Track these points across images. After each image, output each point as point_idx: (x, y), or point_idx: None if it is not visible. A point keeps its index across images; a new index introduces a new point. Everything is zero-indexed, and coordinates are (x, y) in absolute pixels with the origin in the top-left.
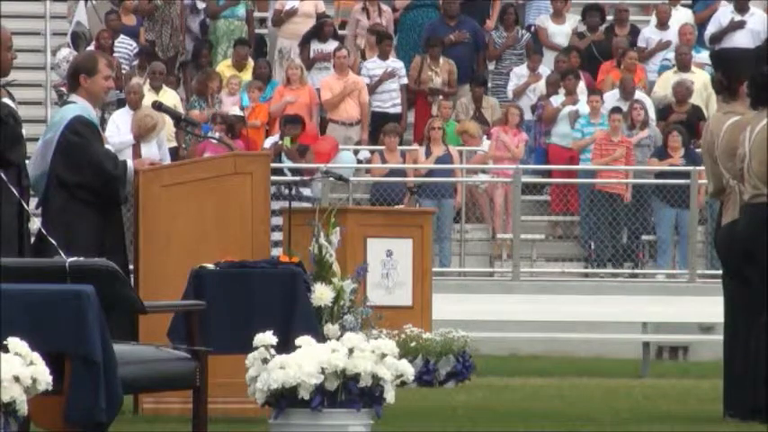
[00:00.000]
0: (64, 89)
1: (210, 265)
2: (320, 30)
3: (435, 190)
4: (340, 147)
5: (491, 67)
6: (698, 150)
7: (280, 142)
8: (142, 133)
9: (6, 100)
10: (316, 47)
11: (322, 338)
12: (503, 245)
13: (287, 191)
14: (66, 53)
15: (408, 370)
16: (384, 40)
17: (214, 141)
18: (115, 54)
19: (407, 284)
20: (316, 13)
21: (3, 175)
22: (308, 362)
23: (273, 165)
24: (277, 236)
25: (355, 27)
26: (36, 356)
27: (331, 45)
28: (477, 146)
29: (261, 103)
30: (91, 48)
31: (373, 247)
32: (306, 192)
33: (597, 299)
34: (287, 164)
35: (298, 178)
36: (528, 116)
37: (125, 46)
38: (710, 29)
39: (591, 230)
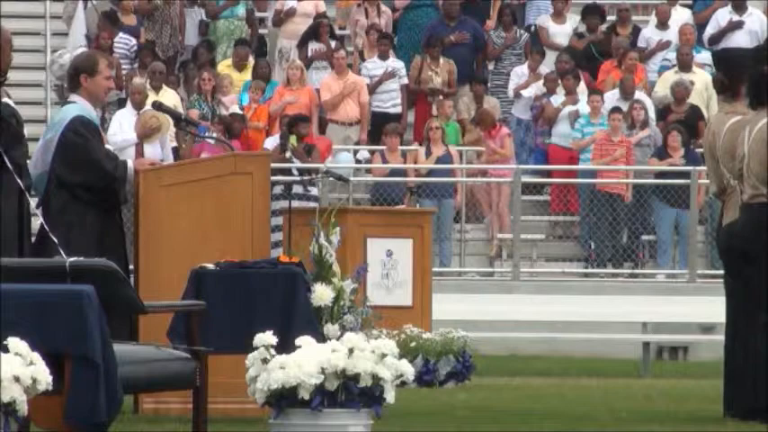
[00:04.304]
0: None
1: (210, 265)
2: (317, 30)
3: (435, 190)
4: (340, 147)
5: (491, 67)
6: (698, 150)
7: (277, 144)
8: (147, 133)
9: (6, 100)
10: (314, 47)
11: (322, 338)
12: (502, 245)
13: (295, 190)
14: (57, 54)
15: (408, 370)
16: (383, 40)
17: (211, 141)
18: (114, 53)
19: (407, 284)
20: (316, 12)
21: (4, 174)
22: (307, 362)
23: (280, 165)
24: (277, 236)
25: (354, 27)
26: (36, 356)
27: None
28: (481, 146)
29: (261, 105)
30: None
31: (373, 247)
32: (314, 191)
33: (597, 299)
34: (293, 164)
35: (298, 178)
36: (527, 116)
37: (122, 45)
38: (709, 30)
39: (591, 230)
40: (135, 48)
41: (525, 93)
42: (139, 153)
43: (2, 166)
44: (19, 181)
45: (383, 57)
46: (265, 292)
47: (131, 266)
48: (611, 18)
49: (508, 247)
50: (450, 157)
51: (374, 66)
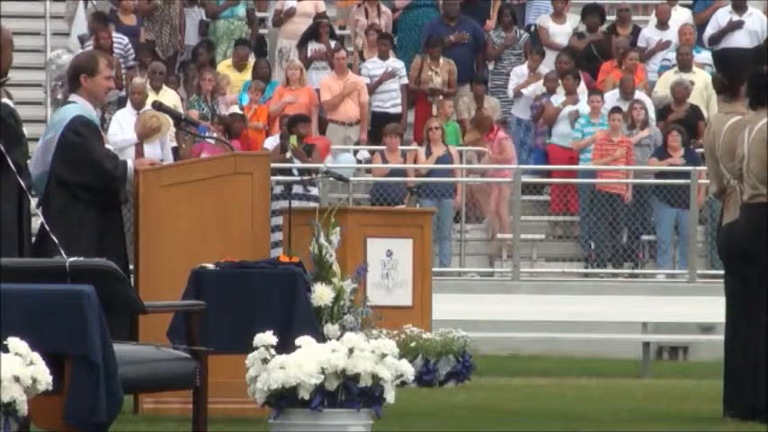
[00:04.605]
0: (57, 96)
1: (210, 265)
2: (316, 30)
3: (435, 190)
4: (340, 147)
5: (491, 67)
6: (698, 150)
7: (277, 144)
8: (147, 134)
9: (6, 100)
10: (313, 47)
11: (322, 338)
12: (502, 245)
13: (295, 190)
14: (55, 54)
15: (408, 370)
16: (383, 40)
17: (212, 141)
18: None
19: (407, 284)
20: (316, 12)
21: (4, 174)
22: (308, 362)
23: (280, 165)
24: (277, 236)
25: (354, 27)
26: (36, 356)
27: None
28: (483, 146)
29: (261, 105)
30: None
31: (373, 247)
32: (314, 191)
33: (597, 299)
34: (293, 164)
35: (298, 178)
36: (527, 116)
37: (116, 44)
38: (709, 30)
39: (591, 230)
40: (129, 47)
41: (525, 92)
42: (139, 153)
43: (2, 166)
44: (21, 181)
45: (383, 57)
46: (265, 292)
47: (131, 266)
48: (611, 18)
49: (508, 247)
50: (450, 157)
51: (374, 66)
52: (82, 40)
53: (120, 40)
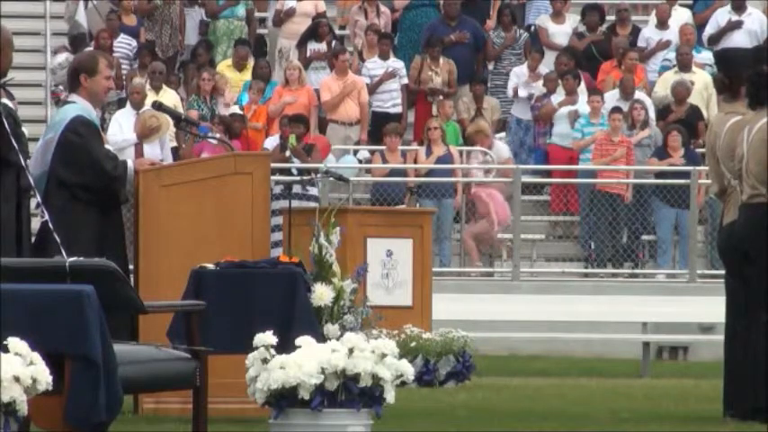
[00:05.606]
0: (60, 96)
1: (210, 265)
2: (316, 30)
3: (435, 190)
4: (340, 147)
5: (490, 67)
6: (698, 150)
7: (277, 144)
8: (146, 133)
9: (5, 100)
10: (313, 47)
11: (322, 338)
12: (502, 245)
13: (295, 190)
14: (63, 58)
15: (408, 370)
16: (384, 40)
17: (213, 141)
18: (115, 54)
19: (407, 284)
20: (316, 12)
21: (3, 175)
22: (308, 362)
23: (280, 165)
24: (277, 236)
25: (354, 27)
26: (36, 356)
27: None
28: (488, 146)
29: (261, 105)
30: (90, 48)
31: (373, 247)
32: (313, 191)
33: (597, 299)
34: (293, 163)
35: (298, 178)
36: (527, 116)
37: (124, 45)
38: (709, 29)
39: (591, 230)
40: (137, 49)
41: (523, 92)
42: (139, 153)
43: (1, 166)
44: (30, 180)
45: (383, 57)
46: (265, 292)
47: (131, 266)
48: (610, 18)
49: (508, 248)
50: (450, 157)
51: (374, 66)
52: (74, 38)
53: (128, 42)
